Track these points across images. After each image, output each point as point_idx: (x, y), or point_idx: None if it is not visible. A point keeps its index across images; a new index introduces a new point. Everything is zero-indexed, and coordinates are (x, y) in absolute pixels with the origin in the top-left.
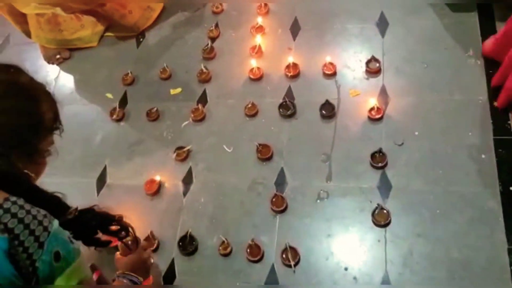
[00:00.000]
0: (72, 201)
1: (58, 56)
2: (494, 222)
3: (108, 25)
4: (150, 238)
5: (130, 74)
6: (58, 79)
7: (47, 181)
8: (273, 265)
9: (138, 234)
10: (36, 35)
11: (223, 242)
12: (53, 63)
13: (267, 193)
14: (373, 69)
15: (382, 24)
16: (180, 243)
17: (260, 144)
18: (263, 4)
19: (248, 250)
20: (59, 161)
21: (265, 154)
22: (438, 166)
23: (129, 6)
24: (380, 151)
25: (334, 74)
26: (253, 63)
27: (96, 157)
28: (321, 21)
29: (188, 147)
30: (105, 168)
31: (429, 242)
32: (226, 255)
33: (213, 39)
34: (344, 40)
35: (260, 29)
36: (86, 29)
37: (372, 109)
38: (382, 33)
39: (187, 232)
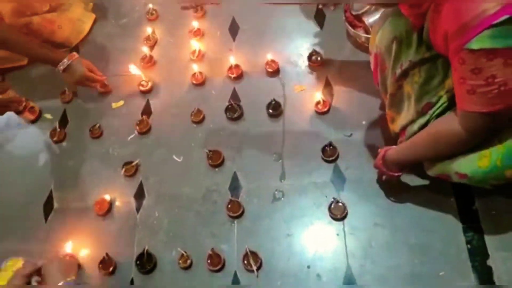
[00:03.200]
0: (19, 230)
1: None
2: (446, 203)
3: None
4: None
5: (67, 91)
6: None
7: None
8: (235, 273)
9: (93, 256)
10: None
11: (182, 255)
12: None
13: (222, 199)
14: (315, 62)
15: (320, 17)
16: (138, 262)
17: (210, 151)
18: (199, 7)
19: (209, 260)
20: (2, 185)
21: (216, 160)
22: None
23: (58, 21)
24: (330, 144)
25: (277, 71)
26: (195, 67)
27: (40, 182)
28: (259, 19)
29: (136, 161)
30: (51, 193)
31: (387, 231)
32: (186, 268)
33: (151, 47)
34: (284, 36)
35: (198, 32)
36: None
37: (318, 103)
38: (321, 25)
39: (144, 249)
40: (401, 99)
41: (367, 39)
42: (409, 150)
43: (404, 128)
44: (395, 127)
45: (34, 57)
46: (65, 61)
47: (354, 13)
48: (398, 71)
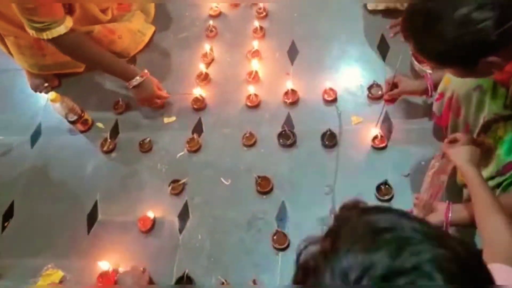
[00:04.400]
0: (61, 239)
1: (46, 85)
2: None
3: None
4: None
5: (121, 102)
6: (46, 108)
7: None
8: None
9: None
10: (18, 59)
11: (223, 283)
12: (40, 92)
13: (268, 229)
14: (375, 95)
15: (383, 47)
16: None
17: (259, 177)
18: (258, 27)
19: None
20: (47, 192)
21: (264, 187)
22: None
23: (119, 31)
24: (385, 183)
25: (334, 100)
26: (250, 89)
27: (87, 192)
28: (319, 44)
29: (183, 180)
30: (96, 203)
31: None
32: None
33: (207, 65)
34: (344, 64)
35: (256, 53)
36: None
37: (375, 137)
38: (383, 56)
39: (184, 273)
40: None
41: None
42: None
43: None
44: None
45: (106, 68)
46: (138, 78)
47: None
48: (480, 121)
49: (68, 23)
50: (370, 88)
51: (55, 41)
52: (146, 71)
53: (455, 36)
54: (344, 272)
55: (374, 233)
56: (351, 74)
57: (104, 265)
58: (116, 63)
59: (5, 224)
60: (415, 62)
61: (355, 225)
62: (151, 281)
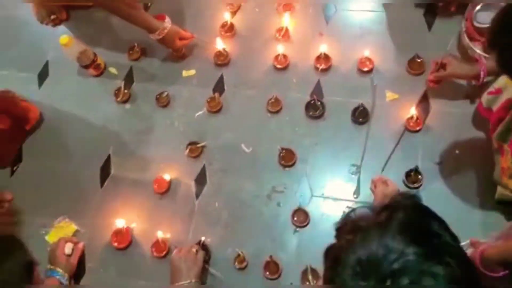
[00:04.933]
0: (74, 191)
1: (53, 17)
2: None
3: None
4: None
5: (136, 47)
6: (54, 45)
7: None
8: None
9: (145, 235)
10: None
11: (239, 255)
12: (46, 24)
13: (287, 204)
14: (416, 69)
15: (430, 16)
16: None
17: (283, 148)
18: None
19: (266, 267)
20: (56, 139)
21: (288, 160)
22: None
23: None
24: (416, 169)
25: (370, 71)
26: (279, 49)
27: (99, 143)
28: (361, 4)
29: (202, 144)
30: (109, 157)
31: None
32: (241, 269)
33: (233, 13)
34: (384, 30)
35: (288, 6)
36: None
37: (410, 118)
38: (429, 26)
39: (200, 241)
40: None
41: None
42: None
43: None
44: None
45: (131, 18)
46: (164, 29)
47: (477, 25)
48: None
49: None
50: (410, 61)
51: None
52: (167, 20)
53: None
54: (387, 248)
55: (424, 231)
56: (391, 43)
57: (119, 223)
58: (145, 14)
59: (14, 168)
60: (466, 38)
61: (409, 216)
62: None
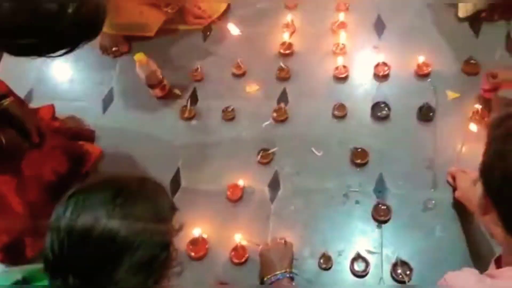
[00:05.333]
0: None
1: (114, 49)
2: None
3: (169, 18)
4: None
5: (199, 70)
6: (118, 73)
7: None
8: (381, 280)
9: (222, 243)
10: None
11: (323, 254)
12: (108, 54)
13: (366, 201)
14: (470, 71)
15: (476, 24)
16: None
17: (356, 148)
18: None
19: (353, 263)
20: (124, 159)
21: (362, 158)
22: None
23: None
24: None
25: (427, 75)
26: (339, 61)
27: (168, 158)
28: (406, 19)
29: (273, 149)
30: (178, 171)
31: None
32: (327, 269)
33: (290, 34)
34: (435, 38)
35: (342, 25)
36: (146, 16)
37: (476, 112)
38: (476, 32)
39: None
40: None
41: None
42: None
43: None
44: None
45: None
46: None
47: None
48: None
49: None
50: (465, 63)
51: None
52: None
53: None
54: None
55: None
56: (443, 49)
57: (196, 232)
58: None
59: None
60: None
61: None
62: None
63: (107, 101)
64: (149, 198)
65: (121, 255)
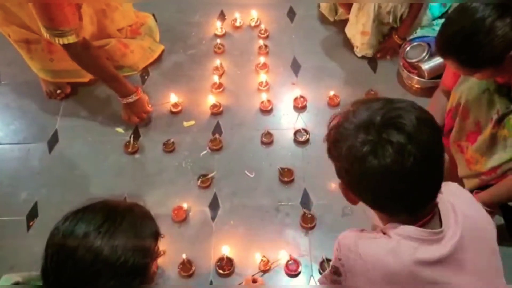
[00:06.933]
0: None
1: (58, 91)
2: None
3: None
4: None
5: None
6: (61, 115)
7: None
8: (312, 278)
9: (171, 260)
10: (29, 64)
11: (261, 260)
12: (54, 98)
13: (295, 213)
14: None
15: (373, 62)
16: (218, 264)
17: (282, 168)
18: (263, 45)
19: (287, 267)
20: (70, 194)
21: (289, 176)
22: None
23: (132, 46)
24: None
25: (337, 104)
26: (263, 96)
27: (113, 191)
28: (318, 60)
29: (212, 174)
30: (125, 199)
31: None
32: (266, 271)
33: (220, 76)
34: (342, 76)
35: (264, 66)
36: None
37: None
38: (374, 70)
39: (224, 255)
40: (494, 143)
41: (418, 82)
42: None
43: (493, 168)
44: (480, 167)
45: (109, 80)
46: (133, 96)
47: (409, 60)
48: (495, 117)
49: (80, 33)
50: (367, 93)
51: (66, 47)
52: (140, 89)
53: (488, 42)
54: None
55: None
56: (349, 83)
57: None
58: (118, 78)
59: (30, 223)
60: (405, 71)
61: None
62: None
63: (52, 142)
64: (134, 224)
65: (103, 270)
